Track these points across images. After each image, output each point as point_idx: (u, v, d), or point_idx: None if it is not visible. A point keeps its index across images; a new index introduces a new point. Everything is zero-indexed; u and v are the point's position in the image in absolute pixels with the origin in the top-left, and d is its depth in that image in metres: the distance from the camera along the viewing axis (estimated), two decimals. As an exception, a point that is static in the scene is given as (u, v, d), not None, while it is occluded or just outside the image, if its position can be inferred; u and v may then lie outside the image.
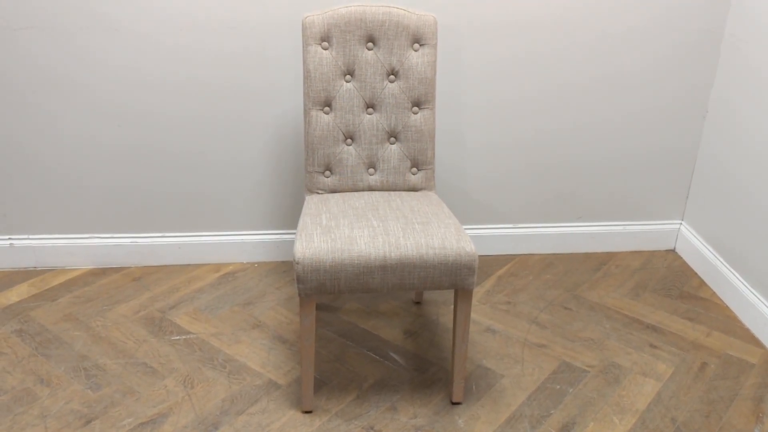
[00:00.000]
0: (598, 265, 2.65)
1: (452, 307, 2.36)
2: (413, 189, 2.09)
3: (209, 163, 2.44)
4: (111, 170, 2.42)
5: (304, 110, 2.00)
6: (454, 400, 1.91)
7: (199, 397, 1.91)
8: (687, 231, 2.69)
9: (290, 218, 2.56)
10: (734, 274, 2.37)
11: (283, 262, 2.62)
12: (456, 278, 1.73)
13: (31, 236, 2.50)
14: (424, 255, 1.70)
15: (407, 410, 1.89)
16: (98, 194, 2.45)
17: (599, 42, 2.38)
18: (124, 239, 2.53)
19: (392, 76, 2.01)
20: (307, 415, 1.86)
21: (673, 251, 2.77)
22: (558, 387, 1.99)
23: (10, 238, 2.49)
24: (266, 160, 2.45)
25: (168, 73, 2.28)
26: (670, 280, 2.56)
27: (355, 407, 1.89)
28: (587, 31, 2.35)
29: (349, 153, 2.05)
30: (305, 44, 1.95)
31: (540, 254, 2.72)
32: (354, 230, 1.76)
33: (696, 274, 2.60)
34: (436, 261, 1.71)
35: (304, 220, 1.85)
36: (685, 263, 2.67)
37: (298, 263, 1.68)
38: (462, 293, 1.77)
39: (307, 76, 1.97)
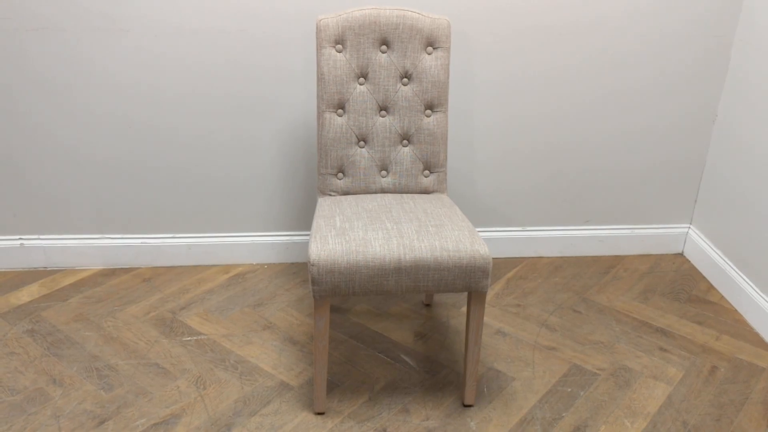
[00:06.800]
0: (606, 268, 2.66)
1: (462, 309, 2.37)
2: (425, 191, 2.10)
3: (219, 164, 2.45)
4: (121, 170, 2.42)
5: (318, 112, 2.01)
6: (466, 403, 1.92)
7: (211, 398, 1.92)
8: (695, 235, 2.69)
9: (300, 220, 2.57)
10: (743, 278, 2.38)
11: (292, 263, 2.63)
12: (470, 281, 1.74)
13: (41, 236, 2.50)
14: (439, 257, 1.71)
15: (419, 412, 1.89)
16: (108, 194, 2.45)
17: (609, 50, 2.38)
18: (134, 240, 2.53)
19: (405, 79, 2.02)
20: (319, 417, 1.86)
21: (681, 255, 2.77)
22: (569, 390, 1.99)
23: (20, 238, 2.49)
24: (277, 161, 2.46)
25: (177, 74, 2.29)
26: (678, 283, 2.57)
27: (367, 409, 1.90)
28: (597, 39, 2.36)
29: (362, 155, 2.05)
30: (319, 46, 1.96)
31: (548, 257, 2.73)
32: (368, 232, 1.76)
33: (704, 277, 2.61)
34: (450, 263, 1.71)
35: (318, 222, 1.85)
36: (693, 267, 2.68)
37: (313, 265, 1.68)
38: (475, 296, 1.78)
39: (320, 78, 1.98)
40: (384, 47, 1.99)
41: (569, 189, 2.63)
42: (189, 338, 2.17)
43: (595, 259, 2.72)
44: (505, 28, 2.32)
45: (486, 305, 2.39)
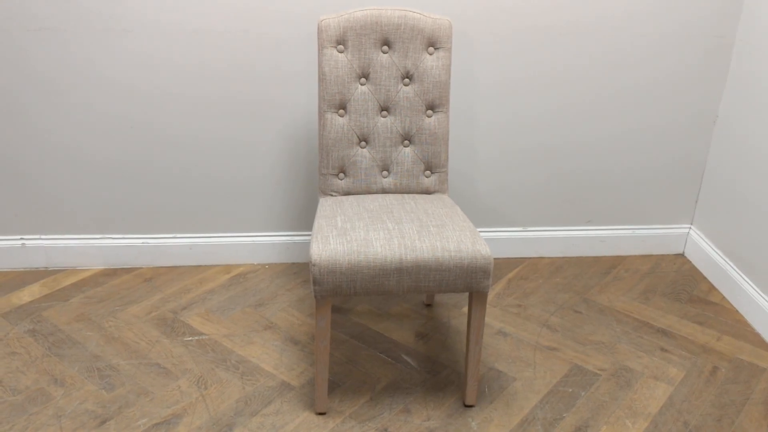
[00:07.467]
0: (607, 268, 2.66)
1: (463, 309, 2.37)
2: (426, 192, 2.10)
3: (221, 164, 2.45)
4: (122, 171, 2.42)
5: (319, 113, 2.01)
6: (467, 403, 1.92)
7: (212, 398, 1.92)
8: (696, 235, 2.70)
9: (301, 220, 2.57)
10: (744, 278, 2.38)
11: (293, 263, 2.63)
12: (471, 281, 1.74)
13: (42, 236, 2.50)
14: (440, 258, 1.71)
15: (420, 412, 1.89)
16: (109, 195, 2.46)
17: (610, 51, 2.38)
18: (135, 240, 2.53)
19: (407, 80, 2.02)
20: (320, 417, 1.86)
21: (682, 255, 2.78)
22: (570, 390, 1.99)
23: (21, 238, 2.49)
24: (278, 161, 2.46)
25: (178, 74, 2.29)
26: (679, 284, 2.57)
27: (369, 409, 1.90)
28: (598, 39, 2.36)
29: (363, 155, 2.05)
30: (321, 47, 1.96)
31: (549, 257, 2.73)
32: (369, 232, 1.76)
33: (705, 278, 2.61)
34: (451, 264, 1.71)
35: (319, 222, 1.86)
36: (694, 267, 2.68)
37: (314, 265, 1.68)
38: (476, 296, 1.78)
39: (322, 78, 1.98)
40: (385, 47, 1.99)
41: (570, 189, 2.63)
42: (190, 338, 2.17)
43: (596, 260, 2.72)
44: (506, 28, 2.32)
45: (487, 305, 2.39)
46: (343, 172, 2.07)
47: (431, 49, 2.00)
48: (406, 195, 2.05)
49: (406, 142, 2.06)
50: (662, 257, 2.76)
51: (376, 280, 1.71)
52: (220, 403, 1.90)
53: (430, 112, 2.04)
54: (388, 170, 2.08)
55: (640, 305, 2.42)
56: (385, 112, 2.04)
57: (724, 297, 2.49)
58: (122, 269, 2.56)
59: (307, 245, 2.61)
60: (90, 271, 2.54)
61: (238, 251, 2.59)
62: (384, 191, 2.09)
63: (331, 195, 2.07)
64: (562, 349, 2.17)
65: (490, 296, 2.45)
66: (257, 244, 2.59)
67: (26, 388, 1.94)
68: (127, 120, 2.34)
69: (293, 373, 2.03)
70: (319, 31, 1.96)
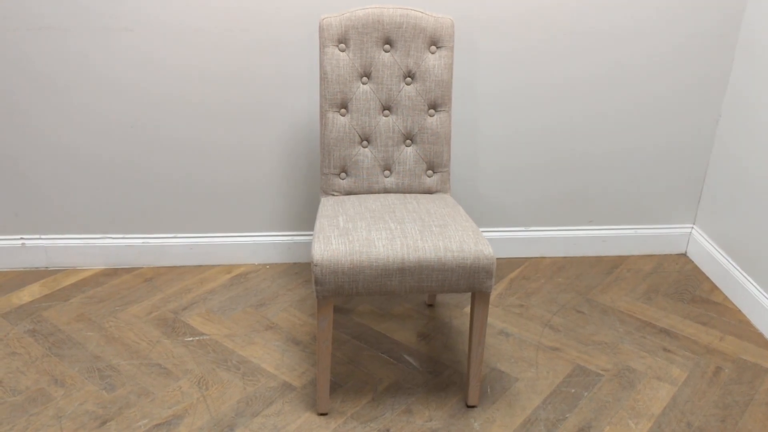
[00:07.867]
0: (609, 268, 2.65)
1: (465, 309, 2.36)
2: (428, 191, 2.09)
3: (221, 164, 2.44)
4: (123, 170, 2.41)
5: (321, 112, 2.00)
6: (470, 403, 1.91)
7: (213, 399, 1.91)
8: (699, 235, 2.69)
9: (302, 220, 2.56)
10: (747, 278, 2.37)
11: (295, 263, 2.62)
12: (474, 281, 1.73)
13: (42, 236, 2.49)
14: (443, 258, 1.70)
15: (422, 413, 1.88)
16: (110, 194, 2.45)
17: (612, 51, 2.37)
18: (135, 240, 2.53)
19: (409, 79, 2.01)
20: (322, 417, 1.85)
21: (684, 255, 2.77)
22: (573, 391, 1.98)
23: (21, 238, 2.49)
24: (280, 160, 2.45)
25: (179, 73, 2.28)
26: (682, 284, 2.56)
27: (371, 410, 1.89)
28: (600, 40, 2.35)
29: (365, 155, 2.04)
30: (322, 46, 1.95)
31: (551, 257, 2.72)
32: (372, 232, 1.75)
33: (708, 278, 2.60)
34: (454, 264, 1.70)
35: (321, 222, 1.85)
36: (696, 267, 2.67)
37: (316, 265, 1.68)
38: (479, 296, 1.77)
39: (323, 77, 1.97)
40: (387, 46, 1.98)
41: (572, 189, 2.62)
42: (191, 338, 2.16)
43: (599, 260, 2.72)
44: (509, 27, 2.31)
45: (489, 305, 2.38)
46: (345, 171, 2.06)
47: (433, 47, 1.99)
48: (408, 195, 2.04)
49: (408, 141, 2.05)
50: (665, 257, 2.75)
51: (379, 280, 1.70)
52: (221, 404, 1.89)
53: (432, 111, 2.03)
54: (390, 170, 2.07)
55: (642, 305, 2.41)
56: (387, 112, 2.03)
57: (726, 297, 2.48)
58: (123, 269, 2.55)
59: (308, 245, 2.60)
60: (90, 271, 2.53)
61: (239, 251, 2.58)
62: (386, 191, 2.08)
63: (333, 195, 2.06)
64: (564, 349, 2.17)
65: (492, 296, 2.44)
66: (258, 244, 2.58)
67: (26, 388, 1.93)
68: (127, 120, 2.33)
69: (295, 374, 2.02)
70: (321, 29, 1.95)
